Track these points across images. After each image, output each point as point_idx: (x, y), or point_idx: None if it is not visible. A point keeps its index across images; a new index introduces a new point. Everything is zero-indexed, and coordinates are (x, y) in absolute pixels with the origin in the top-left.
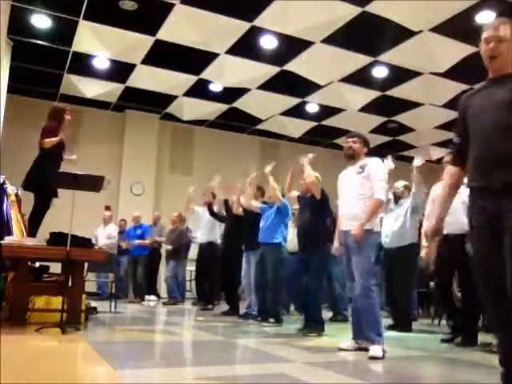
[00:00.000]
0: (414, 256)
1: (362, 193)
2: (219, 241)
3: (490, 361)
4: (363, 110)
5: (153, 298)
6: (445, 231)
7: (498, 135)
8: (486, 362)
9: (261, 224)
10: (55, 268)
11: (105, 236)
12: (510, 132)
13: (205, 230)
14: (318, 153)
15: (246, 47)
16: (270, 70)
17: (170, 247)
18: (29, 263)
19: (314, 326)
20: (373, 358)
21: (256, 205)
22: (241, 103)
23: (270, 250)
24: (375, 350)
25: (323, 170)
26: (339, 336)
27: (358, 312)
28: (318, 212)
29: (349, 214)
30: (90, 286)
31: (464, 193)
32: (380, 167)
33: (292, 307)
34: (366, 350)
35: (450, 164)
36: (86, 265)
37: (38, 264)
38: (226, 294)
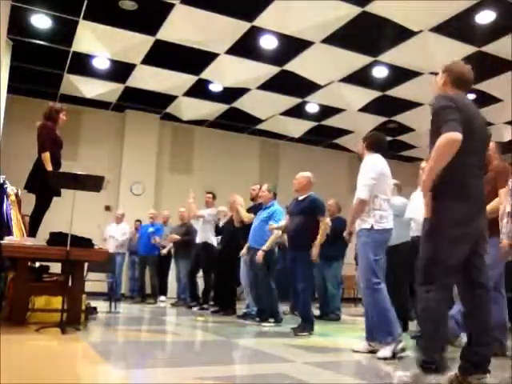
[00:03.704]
0: (404, 255)
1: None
2: (213, 241)
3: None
4: (363, 110)
5: (163, 298)
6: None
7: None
8: None
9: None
10: (55, 268)
11: (119, 233)
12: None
13: (200, 230)
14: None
15: (245, 47)
16: (270, 70)
17: (177, 237)
18: (29, 263)
19: (303, 325)
20: (381, 358)
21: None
22: (241, 103)
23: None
24: (385, 350)
25: (323, 169)
26: (336, 335)
27: (367, 311)
28: (307, 217)
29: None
30: (90, 286)
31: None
32: (368, 164)
33: (284, 307)
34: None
35: (459, 132)
36: (86, 265)
37: (38, 264)
38: (220, 295)
